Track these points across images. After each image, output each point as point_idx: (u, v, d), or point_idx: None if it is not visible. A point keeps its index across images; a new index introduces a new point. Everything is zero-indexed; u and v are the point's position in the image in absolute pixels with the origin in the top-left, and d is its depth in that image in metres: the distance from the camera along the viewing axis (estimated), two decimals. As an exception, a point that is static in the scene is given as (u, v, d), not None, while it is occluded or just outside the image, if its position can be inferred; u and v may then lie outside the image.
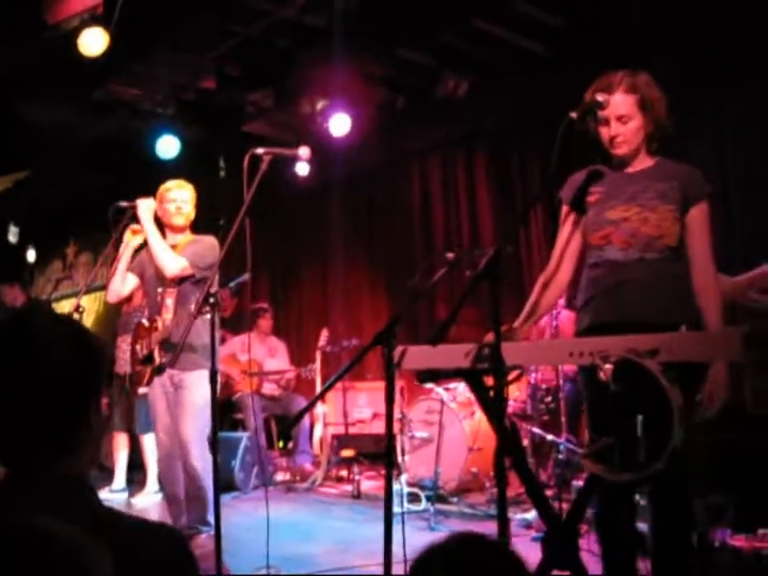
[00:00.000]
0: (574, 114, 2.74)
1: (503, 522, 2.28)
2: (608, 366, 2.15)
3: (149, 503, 6.80)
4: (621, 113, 2.95)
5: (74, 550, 1.00)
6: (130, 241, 4.90)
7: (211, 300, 3.47)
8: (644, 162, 3.09)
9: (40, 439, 1.37)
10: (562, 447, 5.69)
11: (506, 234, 2.34)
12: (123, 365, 6.87)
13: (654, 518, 2.91)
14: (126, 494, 7.11)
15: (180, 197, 4.91)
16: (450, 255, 3.05)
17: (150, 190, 4.98)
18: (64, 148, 9.00)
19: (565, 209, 3.21)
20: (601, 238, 3.02)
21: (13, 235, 11.71)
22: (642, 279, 2.93)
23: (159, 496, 6.59)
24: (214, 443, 3.49)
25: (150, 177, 5.89)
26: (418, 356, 2.67)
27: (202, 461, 4.55)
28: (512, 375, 2.42)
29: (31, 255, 12.85)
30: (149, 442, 6.82)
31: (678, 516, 2.86)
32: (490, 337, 2.41)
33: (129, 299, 7.36)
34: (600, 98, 2.84)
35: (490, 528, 2.31)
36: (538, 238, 7.45)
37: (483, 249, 2.49)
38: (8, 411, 1.36)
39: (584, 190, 3.09)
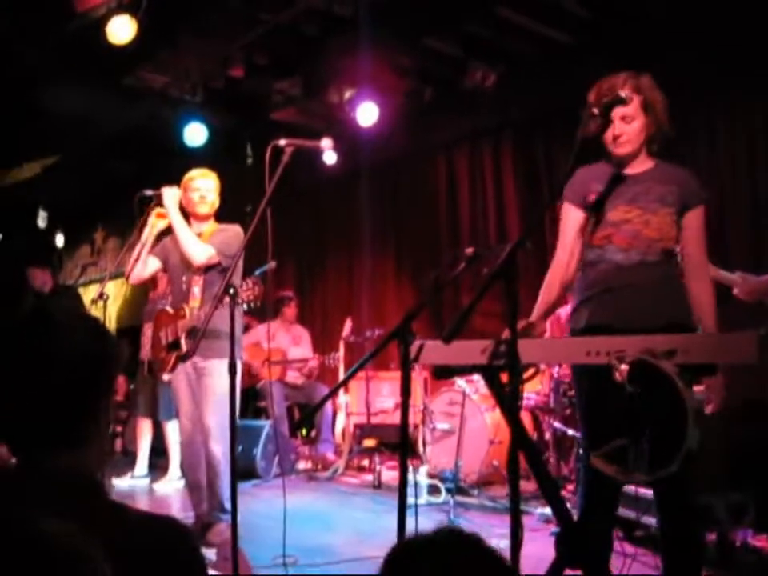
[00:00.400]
0: (595, 110, 2.72)
1: (516, 516, 2.26)
2: (624, 367, 2.13)
3: (170, 489, 6.85)
4: (625, 112, 2.96)
5: (66, 550, 1.01)
6: (156, 224, 4.90)
7: (231, 291, 3.48)
8: (644, 164, 3.12)
9: (48, 429, 1.39)
10: (583, 442, 5.65)
11: (529, 229, 2.33)
12: (148, 351, 6.92)
13: (661, 514, 2.93)
14: (148, 480, 7.17)
15: (204, 185, 4.92)
16: (468, 250, 3.04)
17: (178, 177, 5.00)
18: (93, 134, 9.06)
19: (567, 206, 3.20)
20: (602, 239, 3.06)
21: (42, 220, 11.81)
22: (645, 283, 2.97)
23: (181, 483, 6.64)
24: (232, 432, 3.51)
25: (177, 164, 5.92)
26: (435, 351, 2.66)
27: (223, 448, 4.57)
28: (528, 373, 2.41)
29: (60, 240, 12.97)
30: (172, 429, 6.87)
31: (685, 512, 2.85)
32: (506, 333, 2.40)
33: (154, 285, 7.43)
34: (623, 93, 2.81)
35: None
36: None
37: (504, 245, 2.46)
38: (19, 401, 1.39)
39: (591, 190, 3.11)
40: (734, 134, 6.30)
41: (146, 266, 4.94)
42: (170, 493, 6.81)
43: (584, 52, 6.90)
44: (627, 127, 3.01)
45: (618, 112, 2.91)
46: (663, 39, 6.38)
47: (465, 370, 2.63)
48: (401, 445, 2.56)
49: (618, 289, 2.99)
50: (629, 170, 3.10)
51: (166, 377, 5.06)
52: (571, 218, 3.18)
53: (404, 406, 2.47)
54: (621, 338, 2.31)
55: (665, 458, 2.10)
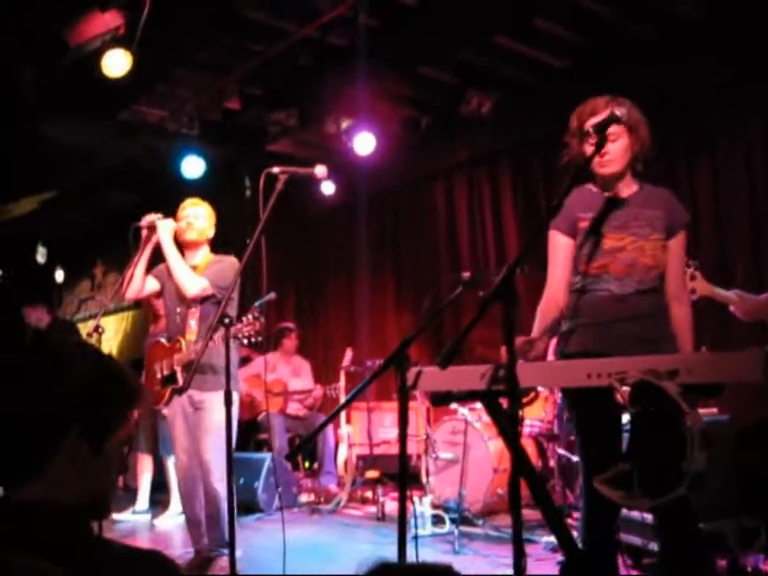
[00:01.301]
0: (590, 129, 2.69)
1: (518, 545, 2.20)
2: (625, 389, 2.08)
3: (171, 525, 6.75)
4: (610, 131, 2.93)
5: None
6: (150, 238, 4.78)
7: (226, 321, 3.43)
8: (630, 187, 3.15)
9: (12, 460, 1.36)
10: (588, 468, 5.56)
11: (522, 253, 2.29)
12: None
13: (662, 540, 2.88)
14: (149, 516, 7.07)
15: (192, 213, 4.90)
16: (465, 275, 3.01)
17: (176, 210, 4.98)
18: (90, 168, 9.07)
19: (555, 233, 3.20)
20: (598, 268, 3.06)
21: (41, 255, 11.80)
22: (634, 315, 3.01)
23: (182, 518, 6.56)
24: (229, 464, 3.45)
25: (175, 197, 5.91)
26: (433, 378, 2.61)
27: (223, 482, 4.48)
28: (527, 397, 2.35)
29: (60, 275, 12.95)
30: (173, 464, 6.80)
31: (688, 536, 2.80)
32: (505, 356, 2.35)
33: (155, 320, 7.38)
34: (618, 111, 2.78)
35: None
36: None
37: (501, 269, 2.42)
38: None
39: (580, 217, 3.13)
40: (733, 153, 6.32)
41: (144, 283, 4.85)
42: (171, 528, 6.70)
43: (578, 77, 6.91)
44: (611, 146, 3.00)
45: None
46: (657, 63, 6.41)
47: (463, 397, 2.57)
48: (399, 475, 2.50)
49: (612, 322, 3.02)
50: (616, 194, 3.13)
51: (165, 411, 4.99)
52: (561, 245, 3.18)
53: (402, 434, 2.42)
54: (622, 359, 2.26)
55: (671, 481, 2.03)
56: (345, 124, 7.98)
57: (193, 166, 8.28)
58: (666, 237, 3.08)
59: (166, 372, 4.77)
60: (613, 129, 2.93)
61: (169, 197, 7.62)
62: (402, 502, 2.50)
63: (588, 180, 3.18)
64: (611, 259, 3.03)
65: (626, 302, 3.02)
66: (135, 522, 6.97)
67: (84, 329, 9.23)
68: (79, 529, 1.32)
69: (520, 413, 2.20)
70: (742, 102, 6.19)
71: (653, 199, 3.12)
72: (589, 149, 3.02)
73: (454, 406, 6.31)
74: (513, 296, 2.18)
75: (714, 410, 4.57)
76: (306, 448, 7.63)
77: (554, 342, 6.44)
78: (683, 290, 3.16)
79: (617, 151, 3.03)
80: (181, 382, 4.63)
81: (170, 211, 4.99)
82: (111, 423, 1.47)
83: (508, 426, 2.27)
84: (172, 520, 6.81)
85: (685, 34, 6.17)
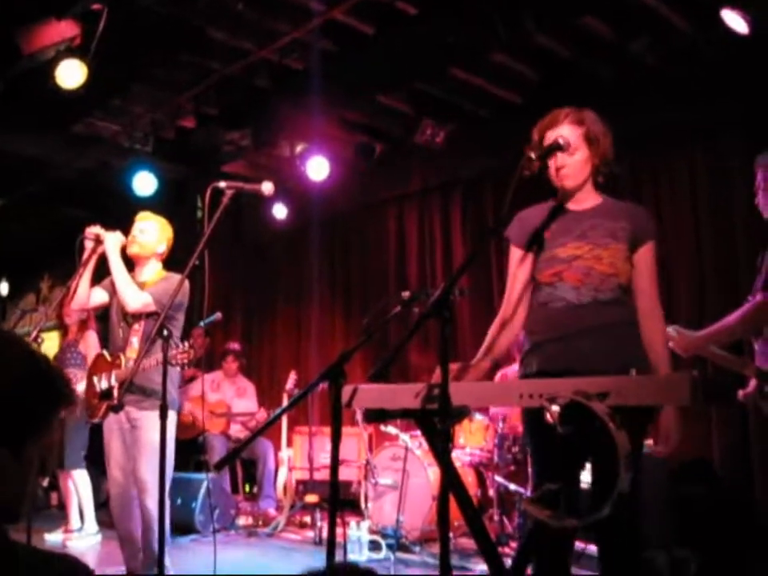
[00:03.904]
0: (533, 154, 2.71)
1: (445, 568, 2.20)
2: (555, 408, 2.10)
3: (84, 546, 6.54)
4: (567, 141, 2.90)
5: None
6: (98, 249, 4.70)
7: (164, 332, 3.41)
8: (591, 199, 3.03)
9: None
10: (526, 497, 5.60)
11: (460, 270, 2.30)
12: None
13: (602, 567, 2.81)
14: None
15: (139, 226, 4.82)
16: (405, 294, 3.02)
17: (127, 226, 4.89)
18: (41, 180, 8.96)
19: (513, 248, 3.11)
20: (552, 276, 2.93)
21: (-16, 267, 11.61)
22: (598, 327, 2.84)
23: (97, 538, 6.57)
24: (162, 482, 3.40)
25: (126, 213, 5.84)
26: (368, 395, 2.62)
27: (157, 502, 4.42)
28: (460, 416, 2.36)
29: (4, 288, 12.73)
30: (82, 478, 6.64)
31: (625, 566, 2.76)
32: (437, 375, 2.36)
33: (65, 332, 7.23)
34: (561, 140, 2.84)
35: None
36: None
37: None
38: None
39: (538, 229, 3.02)
40: (677, 192, 6.48)
41: (90, 295, 4.76)
42: (84, 549, 6.44)
43: (532, 112, 7.00)
44: (569, 159, 2.93)
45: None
46: (610, 101, 6.55)
47: (396, 414, 2.58)
48: (331, 496, 2.51)
49: (571, 336, 2.85)
50: (576, 206, 3.03)
51: (95, 421, 4.88)
52: (515, 258, 3.08)
53: (334, 451, 2.42)
54: (554, 380, 2.28)
55: (598, 502, 2.06)
56: (299, 148, 8.01)
57: (145, 183, 8.19)
58: (630, 247, 2.93)
59: (104, 386, 4.69)
60: (570, 139, 2.89)
61: (119, 212, 7.56)
62: (333, 521, 2.49)
63: (551, 196, 3.09)
64: (566, 267, 2.91)
65: (584, 313, 2.87)
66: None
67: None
68: None
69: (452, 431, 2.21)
70: (687, 143, 6.36)
71: (616, 211, 3.01)
72: (549, 162, 2.95)
73: (394, 431, 6.32)
74: (448, 313, 2.20)
75: (650, 441, 4.62)
76: (221, 468, 7.47)
77: (512, 371, 6.51)
78: (656, 306, 2.94)
79: (574, 165, 2.95)
80: (116, 399, 4.54)
81: (119, 226, 4.92)
82: (37, 428, 1.44)
83: (439, 444, 2.28)
84: (86, 540, 6.63)
85: (638, 73, 6.31)
